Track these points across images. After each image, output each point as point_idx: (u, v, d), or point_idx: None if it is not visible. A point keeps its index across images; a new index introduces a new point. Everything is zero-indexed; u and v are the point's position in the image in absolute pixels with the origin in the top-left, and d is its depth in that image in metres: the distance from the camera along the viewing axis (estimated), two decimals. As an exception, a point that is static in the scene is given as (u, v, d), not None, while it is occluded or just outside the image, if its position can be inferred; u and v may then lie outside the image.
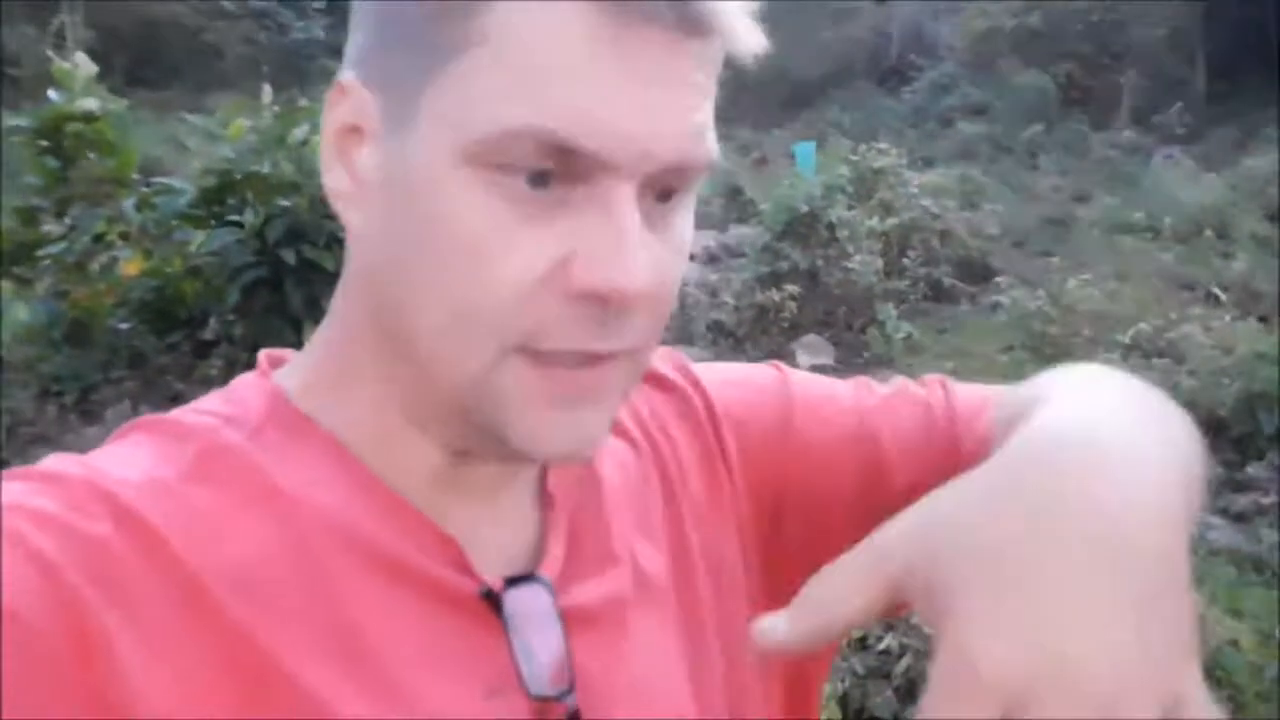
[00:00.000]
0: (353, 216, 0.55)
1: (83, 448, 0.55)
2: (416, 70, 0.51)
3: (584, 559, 0.61)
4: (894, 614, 0.55)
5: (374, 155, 0.54)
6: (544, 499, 0.62)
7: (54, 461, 0.53)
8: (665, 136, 0.50)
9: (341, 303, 0.59)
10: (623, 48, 0.49)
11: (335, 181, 0.55)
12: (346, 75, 0.55)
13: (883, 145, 11.17)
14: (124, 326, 5.70)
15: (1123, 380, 0.59)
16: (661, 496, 0.67)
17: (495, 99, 0.49)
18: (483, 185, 0.50)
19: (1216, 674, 3.56)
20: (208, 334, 5.56)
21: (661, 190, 0.53)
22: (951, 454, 0.64)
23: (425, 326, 0.52)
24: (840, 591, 0.46)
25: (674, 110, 0.50)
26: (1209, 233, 11.04)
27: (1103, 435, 0.48)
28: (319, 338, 0.61)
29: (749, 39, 0.53)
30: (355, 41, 0.56)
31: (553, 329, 0.51)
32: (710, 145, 0.53)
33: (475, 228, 0.50)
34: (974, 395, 0.70)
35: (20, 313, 5.85)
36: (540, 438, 0.53)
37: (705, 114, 0.52)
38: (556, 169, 0.50)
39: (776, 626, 0.47)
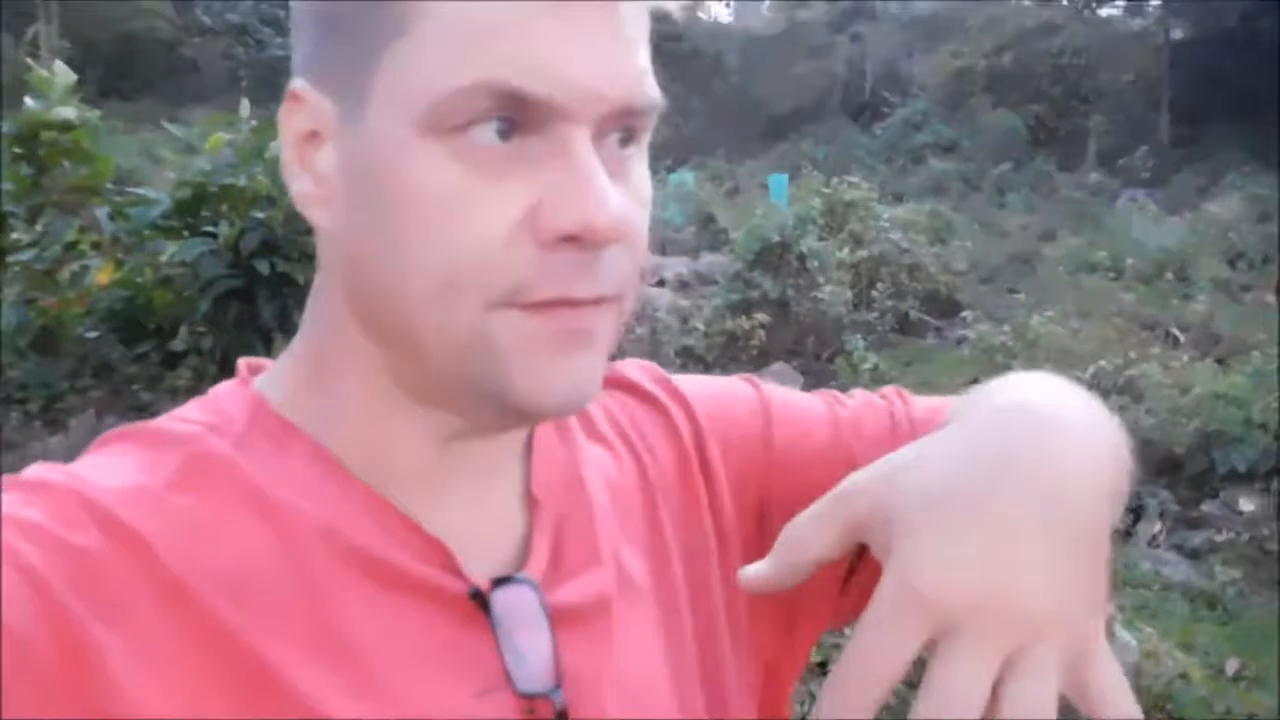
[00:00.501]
0: (321, 217, 0.56)
1: (47, 456, 0.55)
2: (362, 60, 0.52)
3: (569, 559, 0.61)
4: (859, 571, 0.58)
5: (333, 154, 0.54)
6: (529, 501, 0.63)
7: (39, 470, 0.53)
8: (612, 80, 0.52)
9: (316, 307, 0.60)
10: (558, 10, 0.50)
11: (301, 186, 0.56)
12: (297, 83, 0.55)
13: (854, 179, 11.31)
14: (92, 335, 5.65)
15: (1056, 379, 0.64)
16: (641, 502, 0.67)
17: (442, 66, 0.50)
18: (442, 152, 0.51)
19: (1168, 707, 3.62)
20: (177, 345, 5.52)
21: (619, 133, 0.54)
22: None
23: (408, 300, 0.53)
24: (808, 530, 0.52)
25: (615, 56, 0.52)
26: (1170, 275, 11.25)
27: (1056, 410, 0.53)
28: (296, 346, 0.61)
29: None
30: (300, 49, 0.56)
31: (534, 280, 0.52)
32: (654, 88, 0.54)
33: (440, 193, 0.51)
34: (927, 404, 0.74)
35: (-12, 319, 5.80)
36: (539, 388, 0.53)
37: (644, 60, 0.54)
38: (511, 118, 0.51)
39: (757, 568, 0.54)
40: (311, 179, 0.55)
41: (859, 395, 0.76)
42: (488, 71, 0.50)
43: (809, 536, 0.52)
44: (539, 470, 0.64)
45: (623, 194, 0.53)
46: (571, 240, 0.51)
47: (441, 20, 0.50)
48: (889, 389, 0.77)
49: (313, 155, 0.55)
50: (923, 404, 0.75)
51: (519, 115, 0.51)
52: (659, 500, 0.68)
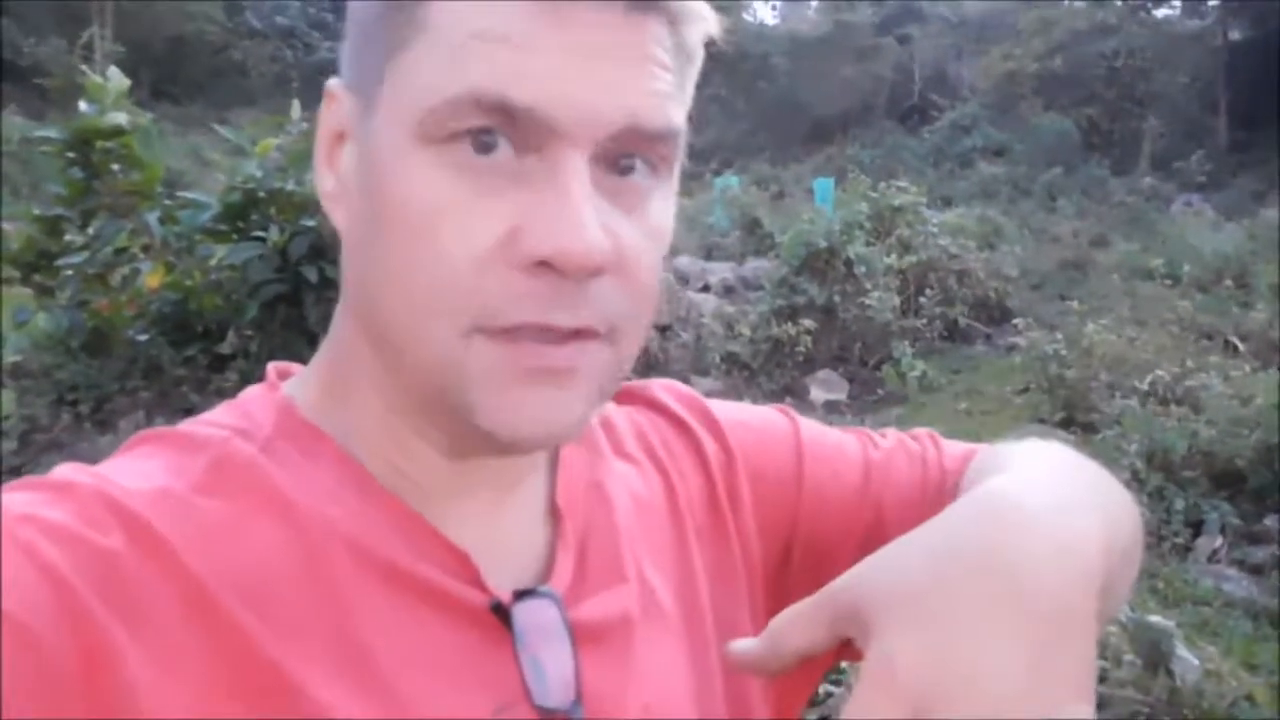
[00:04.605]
0: (338, 216, 0.56)
1: (96, 456, 0.55)
2: (375, 66, 0.52)
3: (592, 575, 0.61)
4: (844, 655, 0.60)
5: (351, 154, 0.55)
6: (553, 514, 0.62)
7: (65, 471, 0.53)
8: (610, 99, 0.50)
9: (338, 312, 0.60)
10: (564, 21, 0.49)
11: (325, 185, 0.57)
12: (333, 81, 0.57)
13: (902, 183, 11.19)
14: (142, 338, 5.73)
15: (1067, 455, 0.65)
16: (669, 522, 0.67)
17: (437, 74, 0.50)
18: (431, 163, 0.50)
19: (1231, 729, 3.51)
20: (225, 348, 5.58)
21: (622, 162, 0.52)
22: (940, 503, 0.68)
23: (391, 313, 0.52)
24: (793, 625, 0.53)
25: (620, 75, 0.50)
26: (1228, 282, 11.00)
27: (1031, 503, 0.54)
28: (323, 349, 0.61)
29: (700, 20, 0.54)
30: (342, 49, 0.57)
31: (508, 303, 0.50)
32: (669, 112, 0.52)
33: (425, 206, 0.50)
34: (959, 451, 0.74)
35: (40, 321, 5.89)
36: (505, 418, 0.52)
37: (662, 83, 0.52)
38: (503, 133, 0.50)
39: (746, 647, 0.55)
40: (335, 178, 0.56)
41: (892, 436, 0.76)
42: (476, 80, 0.49)
43: (792, 631, 0.53)
44: (564, 484, 0.64)
45: (625, 224, 0.52)
46: (549, 266, 0.50)
47: (441, 29, 0.50)
48: (922, 432, 0.77)
49: (339, 154, 0.56)
50: (954, 450, 0.75)
51: (511, 129, 0.50)
52: (687, 522, 0.68)
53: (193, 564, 0.50)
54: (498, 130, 0.49)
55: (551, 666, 0.56)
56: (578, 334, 0.52)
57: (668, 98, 0.52)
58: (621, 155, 0.52)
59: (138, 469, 0.54)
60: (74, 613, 0.46)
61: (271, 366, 0.63)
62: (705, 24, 0.54)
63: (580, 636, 0.58)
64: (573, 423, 0.54)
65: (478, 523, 0.59)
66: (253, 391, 0.61)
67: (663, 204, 0.55)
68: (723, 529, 0.69)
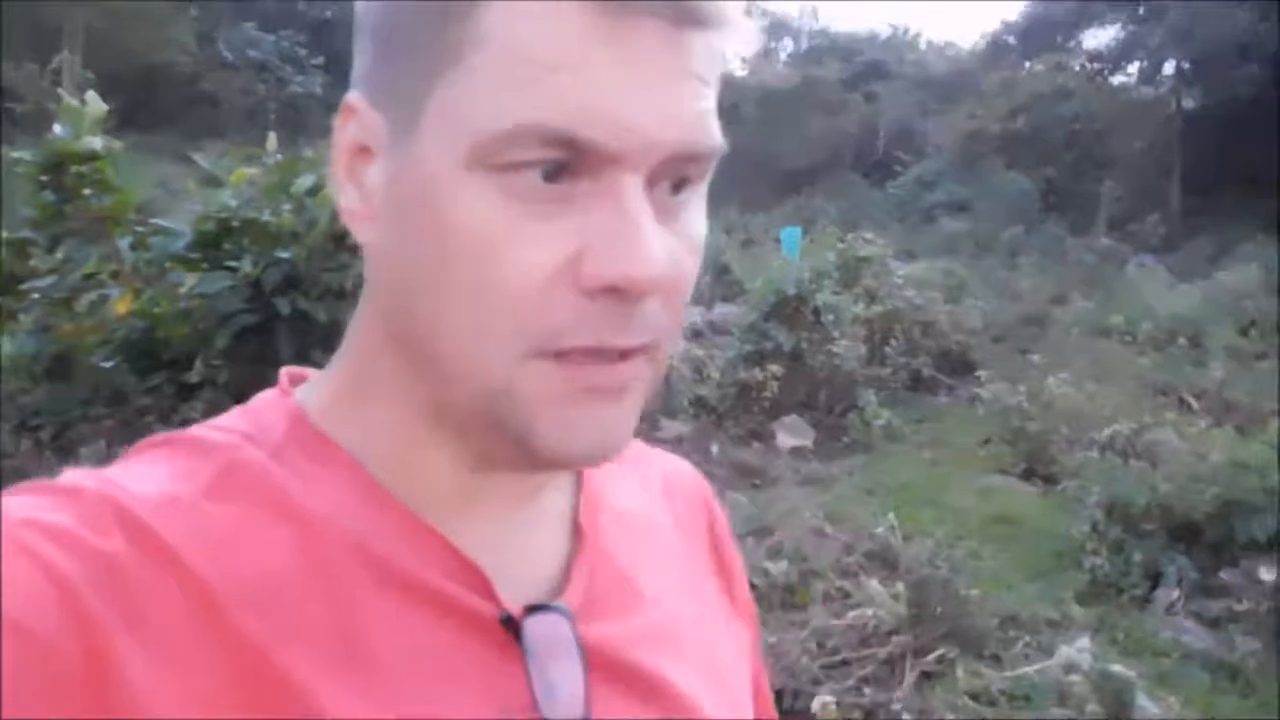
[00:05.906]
0: (366, 234, 0.55)
1: None
2: (418, 80, 0.51)
3: (608, 596, 0.61)
4: None
5: (382, 171, 0.54)
6: (574, 530, 0.62)
7: (73, 476, 0.53)
8: (667, 125, 0.50)
9: (360, 320, 0.59)
10: (620, 41, 0.49)
11: (347, 201, 0.55)
12: (352, 95, 0.55)
13: (869, 235, 11.34)
14: (107, 365, 5.64)
15: None
16: (687, 568, 0.68)
17: (494, 99, 0.49)
18: (488, 188, 0.50)
19: (1189, 781, 3.54)
20: (192, 377, 5.51)
21: (674, 181, 0.53)
22: None
23: (444, 336, 0.52)
24: None
25: (675, 99, 0.50)
26: (1182, 340, 11.22)
27: None
28: (339, 356, 0.60)
29: (746, 33, 0.54)
30: (359, 62, 0.56)
31: (571, 327, 0.51)
32: (714, 132, 0.53)
33: (483, 231, 0.50)
34: None
35: (4, 345, 5.79)
36: (563, 438, 0.52)
37: (708, 101, 0.52)
38: (564, 160, 0.50)
39: None
40: (358, 194, 0.55)
41: None
42: (537, 113, 0.48)
43: None
44: (588, 502, 0.64)
45: (672, 241, 0.52)
46: (612, 291, 0.50)
47: (496, 51, 0.49)
48: None
49: (362, 170, 0.55)
50: None
51: (569, 157, 0.50)
52: (701, 567, 0.69)
53: (197, 569, 0.50)
54: (556, 158, 0.49)
55: (562, 682, 0.56)
56: (629, 352, 0.52)
57: (711, 115, 0.53)
58: (671, 174, 0.52)
59: (146, 473, 0.54)
60: (78, 616, 0.46)
61: (284, 371, 0.63)
62: (746, 35, 0.54)
63: (592, 654, 0.58)
64: (624, 439, 0.55)
65: (491, 534, 0.58)
66: (265, 397, 0.61)
67: (698, 213, 0.55)
68: (729, 609, 0.71)
